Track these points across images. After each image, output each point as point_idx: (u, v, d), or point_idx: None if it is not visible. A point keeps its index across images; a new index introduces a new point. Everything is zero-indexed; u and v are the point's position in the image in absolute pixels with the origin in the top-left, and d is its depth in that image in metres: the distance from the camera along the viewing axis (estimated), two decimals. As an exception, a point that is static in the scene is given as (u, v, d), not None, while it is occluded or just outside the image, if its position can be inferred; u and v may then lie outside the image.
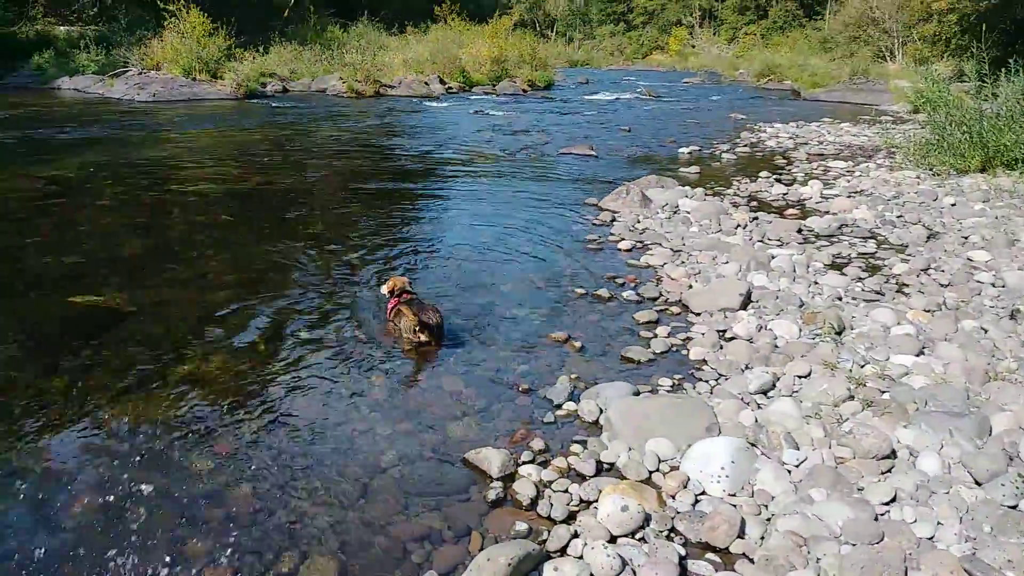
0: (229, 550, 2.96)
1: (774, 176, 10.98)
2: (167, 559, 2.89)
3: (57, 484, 3.34)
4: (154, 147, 13.29)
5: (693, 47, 69.75)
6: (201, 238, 7.39)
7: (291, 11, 36.67)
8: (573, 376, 4.49)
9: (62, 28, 31.08)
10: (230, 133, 15.58)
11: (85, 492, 3.26)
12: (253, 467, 3.49)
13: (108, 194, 9.27)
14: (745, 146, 14.69)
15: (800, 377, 4.39)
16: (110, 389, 4.24)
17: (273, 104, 21.58)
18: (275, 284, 6.06)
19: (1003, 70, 10.91)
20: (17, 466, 3.48)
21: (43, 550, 2.91)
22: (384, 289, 5.30)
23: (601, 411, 4.06)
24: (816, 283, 6.08)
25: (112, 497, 3.24)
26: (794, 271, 6.35)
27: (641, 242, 7.43)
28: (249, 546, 2.98)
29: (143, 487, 3.31)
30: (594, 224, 8.21)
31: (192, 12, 24.24)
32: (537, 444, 3.77)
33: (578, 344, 5.02)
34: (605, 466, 3.64)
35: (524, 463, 3.60)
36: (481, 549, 2.94)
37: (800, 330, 5.09)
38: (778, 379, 4.39)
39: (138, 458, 3.55)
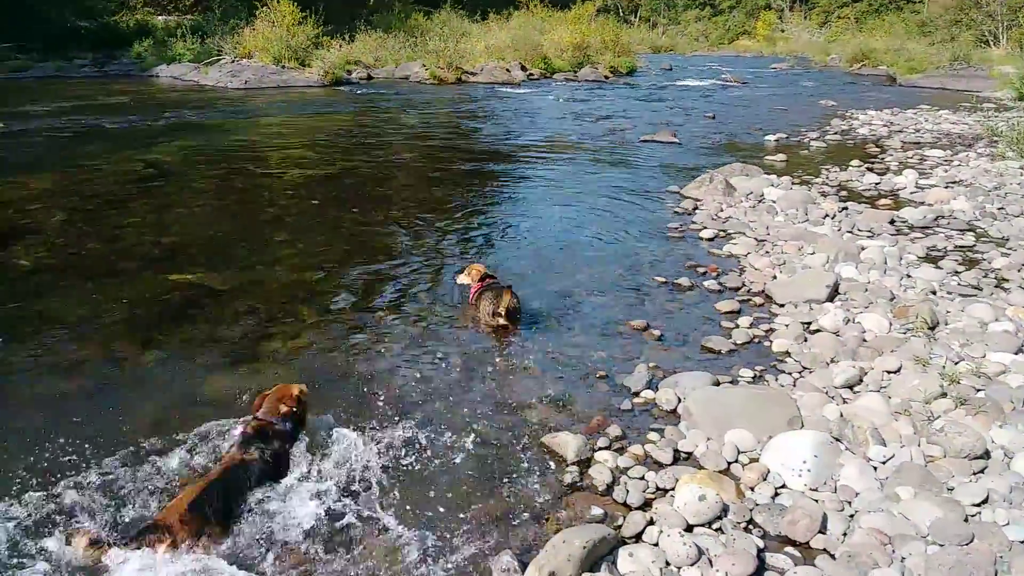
0: (314, 520, 3.07)
1: (866, 165, 10.60)
2: (255, 524, 3.02)
3: (151, 454, 3.52)
4: (246, 132, 13.75)
5: (782, 31, 67.71)
6: (289, 220, 7.62)
7: (376, -1, 37.24)
8: (651, 364, 4.46)
9: (160, 18, 32.42)
10: (317, 119, 15.98)
11: (176, 465, 3.43)
12: (337, 443, 3.60)
13: (203, 177, 9.66)
14: (836, 134, 14.22)
15: (889, 372, 4.25)
16: (201, 364, 4.45)
17: (358, 91, 22.01)
18: (359, 266, 6.21)
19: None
20: (114, 436, 3.68)
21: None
22: (463, 278, 5.36)
23: (679, 400, 4.03)
24: (909, 276, 5.86)
25: (204, 467, 3.40)
26: (885, 263, 6.13)
27: (724, 231, 7.30)
28: (334, 516, 3.09)
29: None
30: (676, 212, 8.11)
31: (282, 1, 24.89)
32: (614, 431, 3.77)
33: (657, 332, 4.98)
34: (682, 455, 3.62)
35: (600, 449, 3.62)
36: (556, 531, 2.96)
37: (890, 324, 4.92)
38: (865, 373, 4.27)
39: (227, 431, 3.71)
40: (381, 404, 4.02)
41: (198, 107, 17.10)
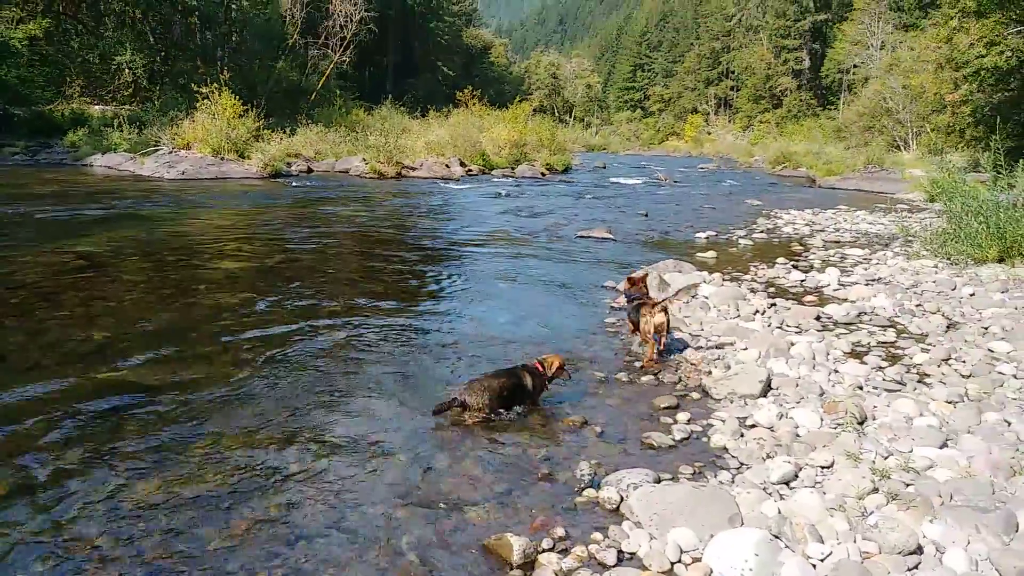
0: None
1: (791, 262, 11.07)
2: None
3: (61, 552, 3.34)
4: (181, 224, 13.60)
5: (709, 133, 71.12)
6: (224, 315, 7.48)
7: (318, 94, 37.83)
8: (593, 461, 4.47)
9: (96, 108, 32.32)
10: (254, 211, 15.94)
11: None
12: (257, 555, 3.47)
13: (135, 270, 9.46)
14: (762, 232, 14.85)
15: (823, 468, 4.35)
16: (126, 468, 4.25)
17: (296, 184, 22.12)
18: (294, 363, 6.10)
19: (1020, 161, 11.09)
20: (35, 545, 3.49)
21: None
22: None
23: (622, 498, 4.03)
24: (836, 371, 6.06)
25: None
26: (814, 359, 6.34)
27: (660, 326, 7.45)
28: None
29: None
30: (612, 308, 8.27)
31: (224, 94, 25.11)
32: (558, 531, 3.73)
33: (598, 429, 5.01)
34: (626, 555, 3.60)
35: (544, 551, 3.57)
36: (500, 640, 2.89)
37: (822, 419, 5.06)
38: (800, 469, 4.35)
39: (158, 533, 3.55)
40: (308, 507, 3.89)
41: (133, 197, 16.89)
